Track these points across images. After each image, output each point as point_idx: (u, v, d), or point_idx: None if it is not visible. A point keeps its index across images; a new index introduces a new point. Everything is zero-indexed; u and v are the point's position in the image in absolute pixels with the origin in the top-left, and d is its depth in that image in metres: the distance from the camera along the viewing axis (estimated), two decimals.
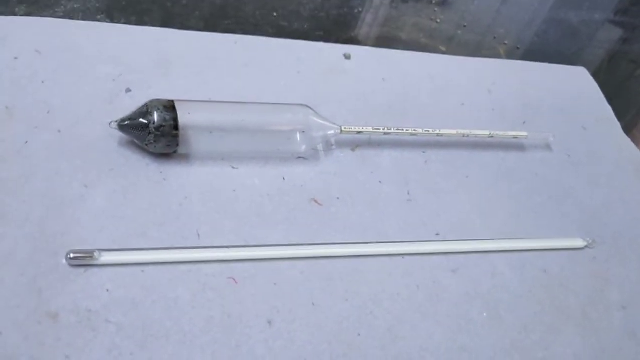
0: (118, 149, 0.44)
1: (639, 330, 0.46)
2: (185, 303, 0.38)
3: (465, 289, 0.45)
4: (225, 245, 0.41)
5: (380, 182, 0.49)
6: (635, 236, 0.53)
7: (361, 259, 0.44)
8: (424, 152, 0.53)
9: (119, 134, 0.44)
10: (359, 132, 0.49)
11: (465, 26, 0.73)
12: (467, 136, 0.53)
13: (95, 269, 0.38)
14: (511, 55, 0.71)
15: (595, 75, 0.70)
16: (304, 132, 0.46)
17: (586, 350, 0.44)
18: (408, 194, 0.49)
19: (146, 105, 0.43)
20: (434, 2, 0.74)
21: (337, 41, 0.61)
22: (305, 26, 0.63)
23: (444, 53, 0.66)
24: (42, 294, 0.36)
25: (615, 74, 0.78)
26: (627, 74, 0.80)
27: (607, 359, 0.44)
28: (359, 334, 0.40)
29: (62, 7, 0.54)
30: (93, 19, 0.54)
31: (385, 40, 0.66)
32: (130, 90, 0.48)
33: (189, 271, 0.39)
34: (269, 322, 0.39)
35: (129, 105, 0.44)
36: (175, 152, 0.44)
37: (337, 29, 0.65)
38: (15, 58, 0.47)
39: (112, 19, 0.55)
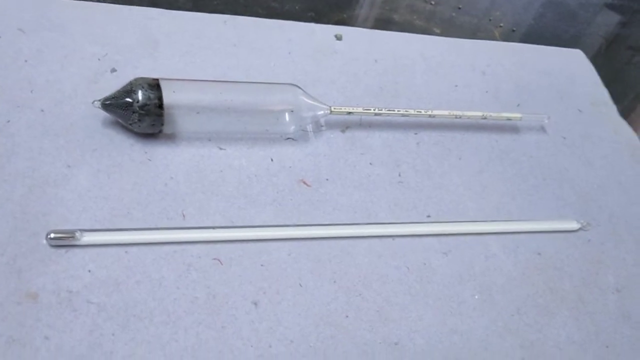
0: (102, 129, 0.43)
1: (634, 312, 0.46)
2: (169, 284, 0.37)
3: (457, 271, 0.44)
4: (210, 226, 0.40)
5: (370, 163, 0.48)
6: (630, 219, 0.52)
7: (350, 241, 0.43)
8: (415, 134, 0.52)
9: (103, 114, 0.43)
10: (349, 113, 0.48)
11: (460, 8, 0.72)
12: (460, 117, 0.52)
13: (76, 250, 0.37)
14: (507, 38, 0.70)
15: (593, 59, 0.69)
16: (292, 112, 0.45)
17: (580, 332, 0.43)
18: (399, 175, 0.48)
19: (130, 83, 0.42)
20: None
21: (328, 22, 0.60)
22: (297, 7, 0.62)
23: (438, 35, 0.65)
24: (21, 274, 0.35)
25: (613, 59, 0.77)
26: (625, 59, 0.79)
27: (601, 342, 0.43)
28: (347, 316, 0.39)
29: None
30: None
31: (379, 22, 0.65)
32: (115, 70, 0.47)
33: (173, 252, 0.39)
34: (255, 304, 0.38)
35: (114, 85, 0.43)
36: (160, 132, 0.43)
37: (328, 10, 0.64)
38: None
39: None
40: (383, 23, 0.65)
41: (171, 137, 0.44)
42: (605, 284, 0.47)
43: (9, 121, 0.41)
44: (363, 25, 0.63)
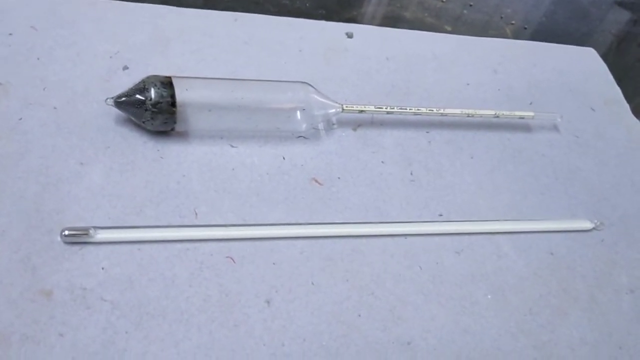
0: (115, 127, 0.43)
1: None
2: (182, 282, 0.37)
3: (469, 271, 0.44)
4: (223, 224, 0.40)
5: (382, 162, 0.48)
6: None
7: (362, 239, 0.43)
8: (427, 132, 0.52)
9: (115, 112, 0.43)
10: (361, 111, 0.48)
11: (471, 5, 0.71)
12: (472, 116, 0.52)
13: (90, 247, 0.37)
14: (518, 35, 0.69)
15: (604, 57, 0.69)
16: (304, 110, 0.45)
17: (593, 333, 0.43)
18: (411, 174, 0.48)
19: (143, 81, 0.42)
20: None
21: (339, 20, 0.59)
22: (307, 4, 0.61)
23: (449, 33, 0.64)
24: (36, 271, 0.35)
25: (625, 57, 0.76)
26: (636, 57, 0.78)
27: (615, 343, 0.43)
28: (360, 315, 0.39)
29: None
30: None
31: (389, 20, 0.65)
32: (127, 68, 0.47)
33: (186, 250, 0.39)
34: (268, 302, 0.38)
35: (126, 83, 0.44)
36: (172, 129, 0.43)
37: (339, 7, 0.63)
38: (10, 34, 0.46)
39: None
40: (393, 21, 0.65)
41: (183, 135, 0.44)
42: (619, 284, 0.47)
43: (21, 119, 0.42)
44: (374, 22, 0.63)
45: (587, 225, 0.49)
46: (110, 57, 0.47)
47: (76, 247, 0.37)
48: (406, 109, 0.49)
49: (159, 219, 0.40)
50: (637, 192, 0.54)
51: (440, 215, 0.46)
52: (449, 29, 0.66)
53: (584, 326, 0.43)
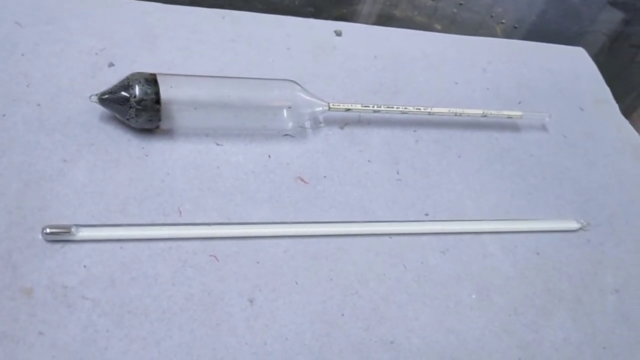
0: (99, 124, 0.43)
1: (632, 314, 0.46)
2: (164, 280, 0.37)
3: (454, 270, 0.44)
4: (207, 222, 0.40)
5: (369, 160, 0.48)
6: (631, 219, 0.52)
7: (347, 238, 0.43)
8: (415, 131, 0.52)
9: (100, 109, 0.43)
10: (348, 110, 0.48)
11: (462, 4, 0.71)
12: (460, 115, 0.52)
13: (72, 245, 0.37)
14: (509, 35, 0.69)
15: (596, 57, 0.69)
16: (290, 108, 0.45)
17: (577, 333, 0.43)
18: (397, 173, 0.48)
19: (127, 78, 0.41)
20: None
21: (328, 18, 0.59)
22: (296, 2, 0.61)
23: (439, 32, 0.64)
24: (16, 269, 0.35)
25: (616, 57, 0.76)
26: (628, 57, 0.78)
27: (599, 343, 0.43)
28: (343, 314, 0.39)
29: None
30: None
31: (379, 18, 0.65)
32: (113, 65, 0.47)
33: (169, 248, 0.39)
34: (251, 301, 0.38)
35: (111, 80, 0.43)
36: (157, 127, 0.43)
37: (328, 5, 0.63)
38: None
39: None
40: (384, 19, 0.65)
41: (168, 133, 0.44)
42: (604, 284, 0.47)
43: (4, 115, 0.41)
44: (363, 21, 0.63)
45: (574, 225, 0.49)
46: (96, 53, 0.47)
47: (58, 245, 0.37)
48: (393, 107, 0.49)
49: (142, 217, 0.39)
50: (624, 192, 0.54)
51: (427, 214, 0.46)
52: (439, 27, 0.66)
53: (568, 326, 0.43)
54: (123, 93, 0.41)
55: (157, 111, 0.41)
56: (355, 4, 0.65)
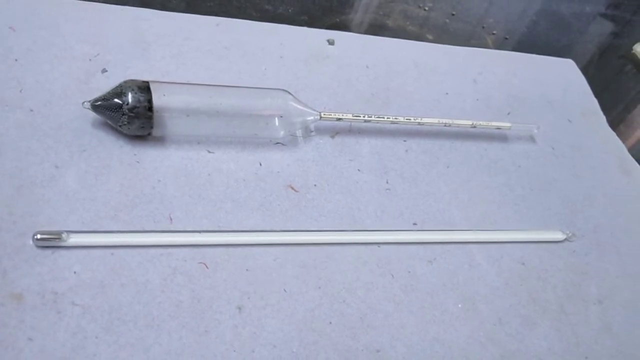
0: (91, 130, 0.43)
1: (615, 324, 0.46)
2: (154, 287, 0.37)
3: (441, 280, 0.44)
4: (197, 229, 0.41)
5: (359, 170, 0.49)
6: (615, 230, 0.53)
7: (336, 247, 0.43)
8: (404, 141, 0.52)
9: (92, 115, 0.43)
10: (339, 119, 0.48)
11: (454, 15, 0.72)
12: (449, 125, 0.52)
13: (63, 251, 0.37)
14: (500, 46, 0.70)
15: (585, 69, 0.70)
16: (282, 117, 0.46)
17: (561, 343, 0.44)
18: (387, 182, 0.49)
19: (120, 85, 0.42)
20: None
21: (321, 27, 0.60)
22: (290, 10, 0.62)
23: (431, 42, 0.65)
24: (6, 275, 0.35)
25: (605, 69, 0.77)
26: (616, 69, 0.79)
27: (582, 353, 0.44)
28: (331, 322, 0.39)
29: None
30: None
31: (372, 28, 0.65)
32: (106, 71, 0.47)
33: (159, 255, 0.39)
34: (239, 308, 0.38)
35: (104, 86, 0.43)
36: (149, 134, 0.43)
37: (322, 14, 0.64)
38: None
39: None
40: (376, 28, 0.65)
41: (160, 140, 0.44)
42: (588, 295, 0.48)
43: None
44: (356, 30, 0.63)
45: (559, 236, 0.50)
46: (90, 59, 0.47)
47: (48, 251, 0.37)
48: (384, 117, 0.50)
49: (133, 223, 0.40)
50: (609, 204, 0.55)
51: (415, 224, 0.47)
52: (430, 37, 0.67)
53: (552, 336, 0.44)
54: (116, 100, 0.41)
55: (150, 118, 0.42)
56: (349, 13, 0.66)
